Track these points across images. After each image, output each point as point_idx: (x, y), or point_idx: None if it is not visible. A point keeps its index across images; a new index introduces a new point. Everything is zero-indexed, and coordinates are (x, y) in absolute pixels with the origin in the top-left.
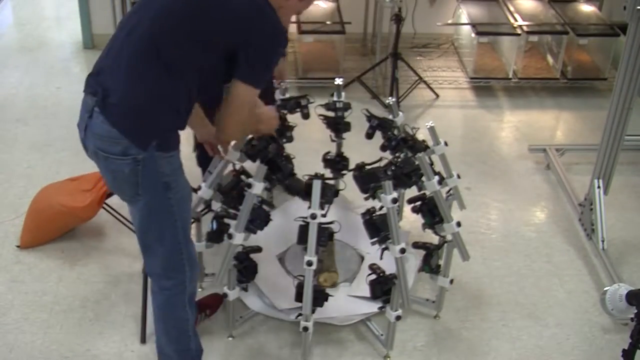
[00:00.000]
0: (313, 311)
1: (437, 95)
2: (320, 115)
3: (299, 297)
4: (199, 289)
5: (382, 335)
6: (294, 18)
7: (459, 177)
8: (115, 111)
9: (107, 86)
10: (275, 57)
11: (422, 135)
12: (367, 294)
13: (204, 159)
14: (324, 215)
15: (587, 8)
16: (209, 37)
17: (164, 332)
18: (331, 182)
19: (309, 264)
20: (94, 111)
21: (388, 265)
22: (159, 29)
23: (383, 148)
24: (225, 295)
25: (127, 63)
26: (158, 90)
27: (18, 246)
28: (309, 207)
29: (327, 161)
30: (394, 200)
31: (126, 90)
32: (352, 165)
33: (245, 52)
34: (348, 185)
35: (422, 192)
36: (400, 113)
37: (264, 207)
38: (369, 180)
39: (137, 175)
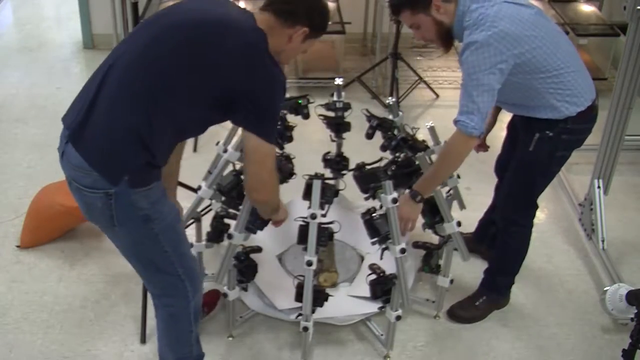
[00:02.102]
0: (313, 311)
1: (437, 95)
2: (320, 115)
3: (299, 297)
4: None
5: (382, 335)
6: None
7: (459, 177)
8: (87, 144)
9: (83, 118)
10: (278, 105)
11: (422, 135)
12: (367, 294)
13: None
14: (324, 215)
15: (587, 8)
16: (201, 83)
17: (167, 343)
18: (331, 182)
19: (309, 264)
20: (67, 144)
21: (388, 265)
22: (146, 66)
23: (383, 148)
24: (225, 295)
25: (107, 96)
26: (129, 130)
27: (18, 246)
28: (309, 207)
29: (327, 161)
30: (394, 200)
31: (100, 123)
32: (352, 165)
33: (244, 101)
34: (348, 185)
35: None
36: (400, 113)
37: None
38: (369, 180)
39: (111, 209)
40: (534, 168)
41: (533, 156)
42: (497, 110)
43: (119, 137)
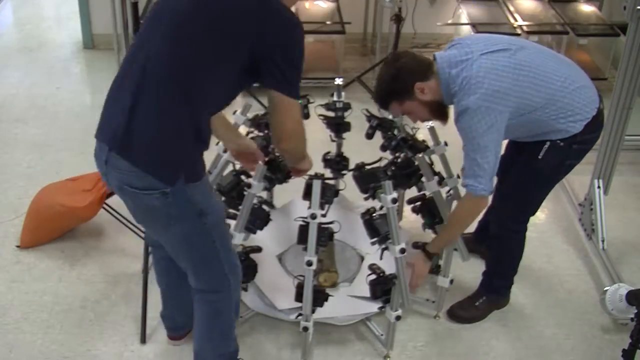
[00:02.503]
0: (313, 311)
1: None
2: (320, 115)
3: (299, 297)
4: None
5: (382, 335)
6: None
7: (459, 177)
8: (137, 151)
9: (126, 128)
10: (300, 52)
11: (422, 135)
12: (367, 294)
13: None
14: (324, 215)
15: (587, 8)
16: (226, 44)
17: (209, 339)
18: (331, 182)
19: (309, 264)
20: (111, 153)
21: (388, 265)
22: (176, 54)
23: (383, 148)
24: None
25: (145, 99)
26: (180, 123)
27: (18, 246)
28: (309, 207)
29: (327, 161)
30: (394, 200)
31: (149, 127)
32: (352, 165)
33: (271, 56)
34: (348, 185)
35: (422, 192)
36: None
37: (264, 207)
38: (369, 180)
39: (169, 207)
40: (540, 175)
41: (542, 164)
42: None
43: (173, 136)
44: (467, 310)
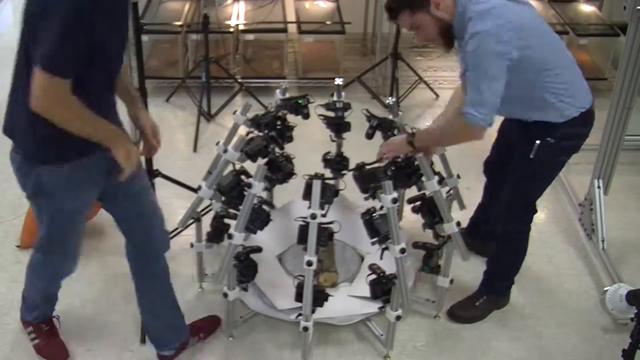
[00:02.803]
0: (313, 311)
1: (437, 95)
2: (320, 115)
3: (299, 297)
4: (199, 289)
5: (382, 335)
6: (294, 17)
7: (459, 177)
8: (6, 120)
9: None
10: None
11: None
12: (367, 294)
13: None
14: (324, 215)
15: (587, 8)
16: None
17: (27, 275)
18: (331, 182)
19: (309, 264)
20: None
21: (388, 265)
22: (23, 39)
23: None
24: (225, 295)
25: (12, 78)
26: (19, 107)
27: (18, 246)
28: (309, 207)
29: (327, 161)
30: (394, 200)
31: (9, 104)
32: (352, 165)
33: (35, 30)
34: (348, 185)
35: (422, 192)
36: (400, 113)
37: (264, 207)
38: (369, 180)
39: (21, 172)
40: (535, 174)
41: (534, 163)
42: None
43: (17, 118)
44: (468, 311)
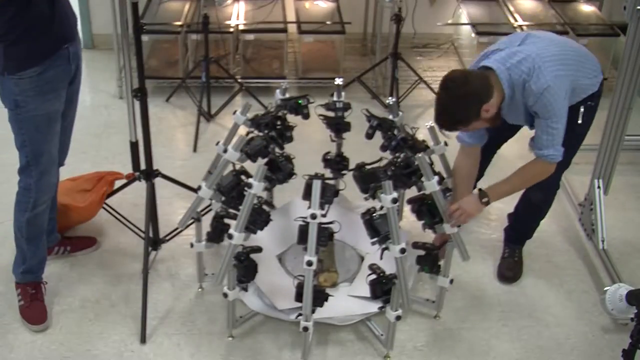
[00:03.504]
0: (313, 311)
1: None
2: (320, 115)
3: (299, 297)
4: (199, 289)
5: (382, 335)
6: (294, 17)
7: None
8: None
9: None
10: None
11: (422, 135)
12: (367, 294)
13: None
14: (324, 215)
15: (587, 8)
16: None
17: (15, 219)
18: (331, 182)
19: (309, 264)
20: None
21: (388, 265)
22: None
23: (383, 148)
24: (225, 295)
25: None
26: None
27: None
28: (309, 207)
29: (327, 161)
30: (394, 200)
31: None
32: (352, 165)
33: None
34: (348, 185)
35: (422, 192)
36: (400, 113)
37: (264, 207)
38: (369, 180)
39: None
40: (579, 136)
41: (583, 127)
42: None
43: None
44: (513, 269)
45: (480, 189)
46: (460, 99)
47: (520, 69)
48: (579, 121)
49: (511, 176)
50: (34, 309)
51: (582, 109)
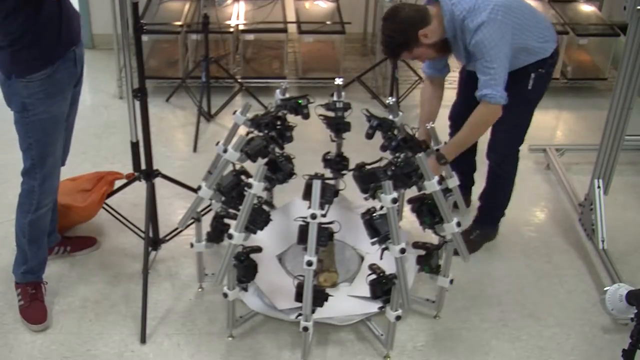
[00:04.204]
0: (313, 311)
1: None
2: (320, 115)
3: (299, 297)
4: (199, 289)
5: (382, 335)
6: (294, 17)
7: None
8: None
9: None
10: None
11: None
12: (367, 294)
13: None
14: (324, 215)
15: (587, 8)
16: None
17: (17, 221)
18: (331, 182)
19: (309, 264)
20: None
21: (388, 265)
22: None
23: (383, 148)
24: (225, 295)
25: None
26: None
27: None
28: (309, 207)
29: (327, 161)
30: (394, 200)
31: None
32: (352, 165)
33: None
34: (348, 185)
35: (422, 192)
36: (400, 113)
37: (264, 207)
38: (369, 180)
39: (5, 89)
40: (533, 103)
41: (533, 93)
42: (439, 101)
43: None
44: (459, 245)
45: (437, 149)
46: (397, 24)
47: (462, 7)
48: (529, 87)
49: (462, 128)
50: (34, 309)
51: (532, 75)
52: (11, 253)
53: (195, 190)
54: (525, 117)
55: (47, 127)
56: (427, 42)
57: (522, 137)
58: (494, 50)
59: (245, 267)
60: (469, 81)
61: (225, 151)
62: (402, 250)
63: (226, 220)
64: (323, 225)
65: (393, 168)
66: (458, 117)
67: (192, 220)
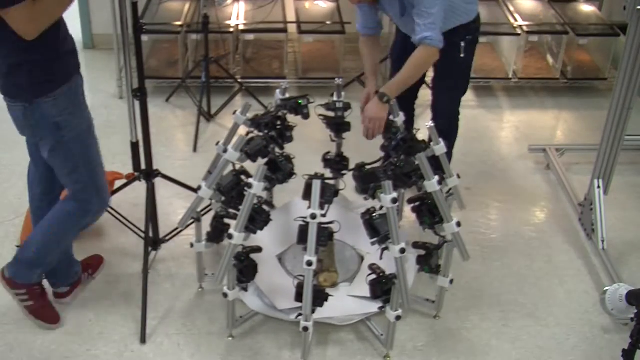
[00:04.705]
0: (313, 311)
1: None
2: (320, 115)
3: (299, 297)
4: (199, 289)
5: (382, 335)
6: (294, 17)
7: (459, 177)
8: None
9: None
10: None
11: (422, 135)
12: (367, 294)
13: None
14: (324, 215)
15: (587, 8)
16: None
17: (42, 230)
18: (331, 182)
19: (309, 264)
20: None
21: (388, 265)
22: None
23: (383, 148)
24: (225, 295)
25: None
26: (5, 52)
27: (18, 246)
28: (309, 207)
29: (327, 161)
30: (394, 200)
31: None
32: (352, 165)
33: None
34: (348, 185)
35: (422, 192)
36: (400, 113)
37: (264, 207)
38: (369, 180)
39: (29, 119)
40: (468, 68)
41: (464, 61)
42: (378, 53)
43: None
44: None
45: (377, 91)
46: None
47: None
48: (462, 55)
49: (402, 69)
50: (47, 309)
51: (462, 44)
52: (11, 253)
53: (195, 190)
54: (463, 81)
55: (85, 138)
56: None
57: (460, 101)
58: None
59: (245, 267)
60: (403, 56)
61: (225, 151)
62: (402, 250)
63: (226, 220)
64: (323, 225)
65: (393, 168)
66: (398, 59)
67: (192, 220)
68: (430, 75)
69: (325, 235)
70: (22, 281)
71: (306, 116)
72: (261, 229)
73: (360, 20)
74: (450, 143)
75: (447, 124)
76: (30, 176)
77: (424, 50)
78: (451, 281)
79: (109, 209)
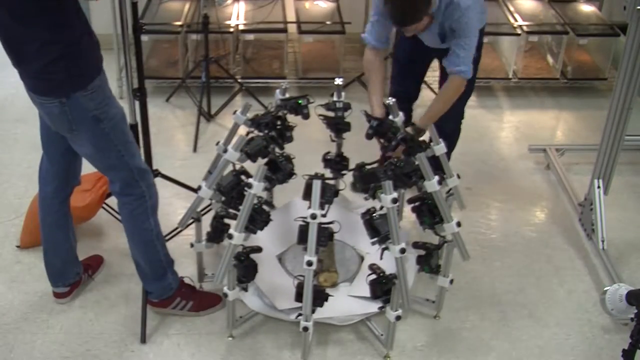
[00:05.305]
0: (313, 311)
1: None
2: (320, 115)
3: (299, 297)
4: (199, 289)
5: (382, 335)
6: (294, 17)
7: (459, 177)
8: (26, 80)
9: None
10: None
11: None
12: (367, 294)
13: None
14: (324, 215)
15: (587, 8)
16: None
17: (134, 244)
18: (331, 182)
19: (309, 264)
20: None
21: (388, 265)
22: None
23: (383, 148)
24: (225, 295)
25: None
26: (36, 53)
27: (18, 246)
28: (309, 207)
29: (327, 161)
30: (394, 200)
31: (20, 60)
32: (352, 165)
33: None
34: (348, 185)
35: (422, 192)
36: (400, 113)
37: (264, 207)
38: (369, 180)
39: (67, 114)
40: (475, 70)
41: (476, 61)
42: (384, 69)
43: (39, 63)
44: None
45: (413, 123)
46: None
47: None
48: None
49: (433, 102)
50: (205, 297)
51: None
52: (11, 253)
53: (195, 190)
54: (470, 83)
55: (123, 126)
56: (430, 12)
57: (466, 103)
58: (474, 31)
59: (245, 267)
60: (419, 58)
61: (225, 151)
62: (402, 250)
63: (226, 220)
64: (323, 225)
65: (393, 168)
66: (410, 62)
67: (192, 220)
68: (430, 75)
69: (325, 235)
70: (168, 294)
71: (306, 116)
72: (261, 229)
73: (374, 33)
74: (453, 145)
75: (453, 126)
76: (42, 173)
77: (457, 80)
78: (451, 281)
79: (109, 209)
